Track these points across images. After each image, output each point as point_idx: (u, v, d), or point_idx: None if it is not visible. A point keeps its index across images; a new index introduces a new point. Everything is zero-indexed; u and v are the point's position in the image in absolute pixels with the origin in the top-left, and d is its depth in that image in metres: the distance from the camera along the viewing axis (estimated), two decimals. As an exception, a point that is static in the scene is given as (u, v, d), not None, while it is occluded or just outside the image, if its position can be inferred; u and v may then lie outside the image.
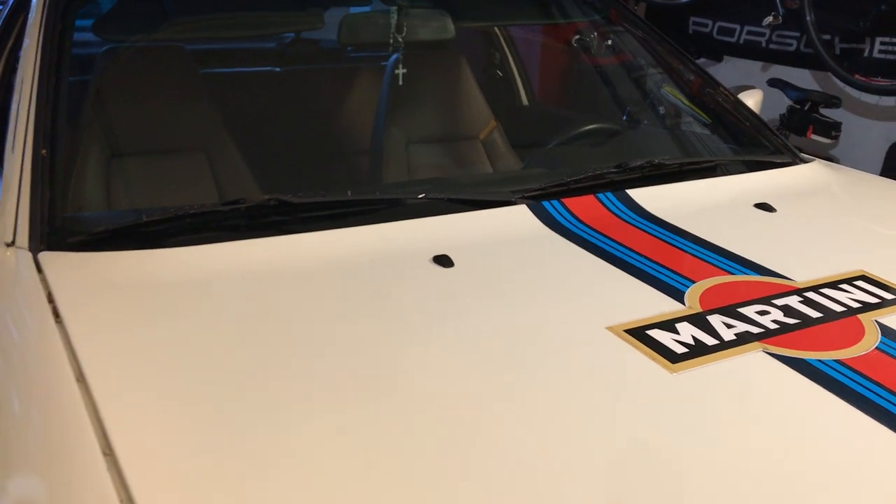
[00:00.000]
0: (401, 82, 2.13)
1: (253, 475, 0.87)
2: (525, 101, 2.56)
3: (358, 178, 2.12)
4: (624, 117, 2.35)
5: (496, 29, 2.59)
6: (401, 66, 2.13)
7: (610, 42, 2.44)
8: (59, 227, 1.38)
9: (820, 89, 3.74)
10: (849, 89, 3.59)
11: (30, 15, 1.76)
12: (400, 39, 2.11)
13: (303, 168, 2.06)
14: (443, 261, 1.34)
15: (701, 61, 4.24)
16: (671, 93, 2.31)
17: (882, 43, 3.49)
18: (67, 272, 1.25)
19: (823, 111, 3.61)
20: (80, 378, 1.00)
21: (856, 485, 0.90)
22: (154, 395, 0.99)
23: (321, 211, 1.46)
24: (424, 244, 1.39)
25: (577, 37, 2.53)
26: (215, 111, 1.97)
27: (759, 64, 4.06)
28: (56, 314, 1.13)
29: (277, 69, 2.29)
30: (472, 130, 2.17)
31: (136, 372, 1.04)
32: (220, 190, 1.82)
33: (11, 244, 1.33)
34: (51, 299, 1.17)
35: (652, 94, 2.34)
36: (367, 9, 2.34)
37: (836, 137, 3.56)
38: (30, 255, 1.30)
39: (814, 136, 3.47)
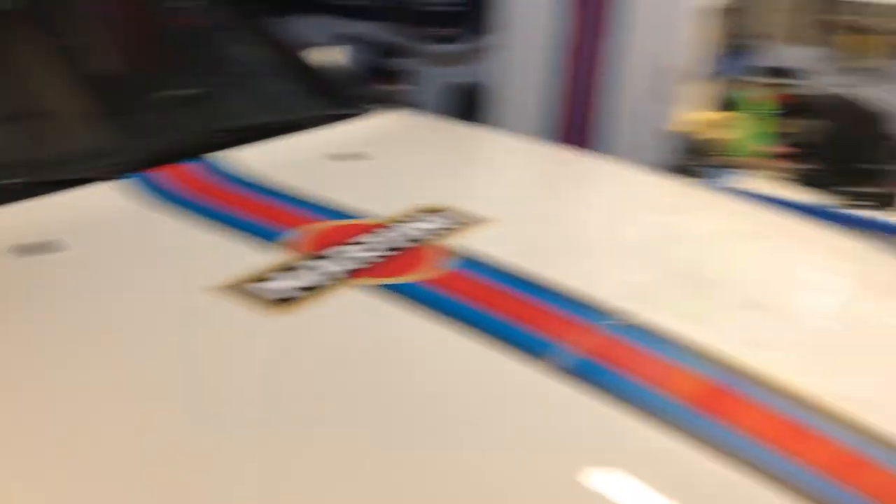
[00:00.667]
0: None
1: None
2: (106, 69, 2.44)
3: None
4: (209, 81, 2.37)
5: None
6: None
7: (190, 6, 2.43)
8: None
9: (392, 42, 4.07)
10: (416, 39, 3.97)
11: None
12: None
13: None
14: (31, 249, 1.29)
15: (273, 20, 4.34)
16: (253, 54, 2.38)
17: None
18: None
19: (393, 61, 3.96)
20: None
21: (448, 381, 1.09)
22: None
23: None
24: (10, 233, 1.32)
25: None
26: None
27: (332, 20, 4.28)
28: None
29: None
30: (50, 105, 2.04)
31: None
32: None
33: None
34: None
35: (235, 57, 2.38)
36: None
37: (403, 84, 3.92)
38: None
39: (384, 86, 3.79)
